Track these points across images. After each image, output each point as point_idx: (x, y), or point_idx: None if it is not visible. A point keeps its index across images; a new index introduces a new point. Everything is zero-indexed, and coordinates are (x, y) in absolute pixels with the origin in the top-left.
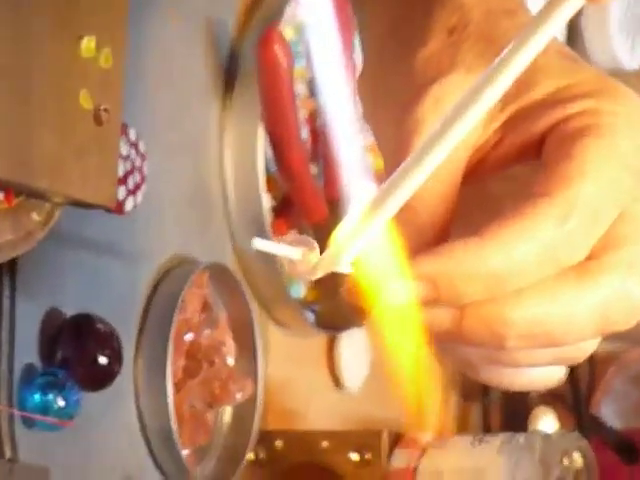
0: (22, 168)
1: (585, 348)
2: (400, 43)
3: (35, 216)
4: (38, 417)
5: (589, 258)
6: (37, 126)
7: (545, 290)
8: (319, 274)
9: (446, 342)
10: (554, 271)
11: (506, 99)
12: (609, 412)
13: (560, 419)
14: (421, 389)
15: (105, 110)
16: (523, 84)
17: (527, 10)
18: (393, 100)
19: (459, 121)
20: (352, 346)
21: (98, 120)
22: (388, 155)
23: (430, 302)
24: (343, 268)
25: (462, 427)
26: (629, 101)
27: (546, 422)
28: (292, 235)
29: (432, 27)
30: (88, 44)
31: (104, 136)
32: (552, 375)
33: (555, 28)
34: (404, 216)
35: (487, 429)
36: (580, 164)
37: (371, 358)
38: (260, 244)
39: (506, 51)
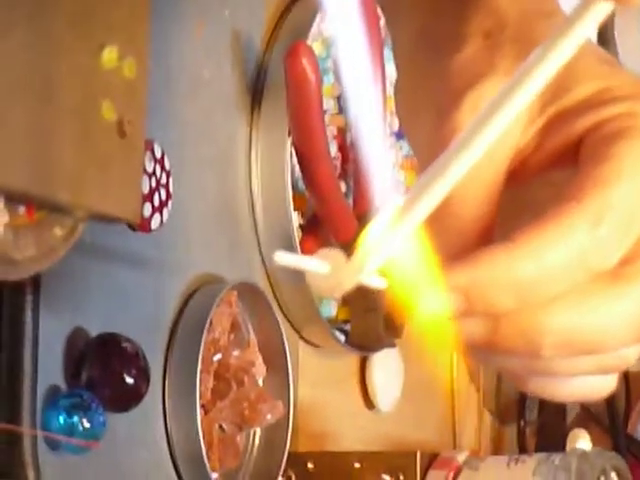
0: (43, 181)
1: (626, 356)
2: (434, 49)
3: (57, 231)
4: (62, 438)
5: (625, 263)
6: (58, 138)
7: (579, 297)
8: (345, 289)
9: (484, 353)
10: (588, 277)
11: (544, 102)
12: None
13: (596, 441)
14: (456, 408)
15: (129, 122)
16: (561, 87)
17: (563, 11)
18: (429, 107)
19: (491, 123)
20: (384, 367)
21: (121, 132)
22: (425, 163)
23: (464, 313)
24: (373, 281)
25: (497, 450)
26: None
27: (582, 444)
28: (321, 251)
29: (467, 31)
30: (110, 54)
31: (128, 148)
32: (598, 385)
33: (585, 30)
34: (445, 222)
35: (522, 452)
36: (615, 166)
37: (403, 379)
38: (283, 258)
39: (536, 52)
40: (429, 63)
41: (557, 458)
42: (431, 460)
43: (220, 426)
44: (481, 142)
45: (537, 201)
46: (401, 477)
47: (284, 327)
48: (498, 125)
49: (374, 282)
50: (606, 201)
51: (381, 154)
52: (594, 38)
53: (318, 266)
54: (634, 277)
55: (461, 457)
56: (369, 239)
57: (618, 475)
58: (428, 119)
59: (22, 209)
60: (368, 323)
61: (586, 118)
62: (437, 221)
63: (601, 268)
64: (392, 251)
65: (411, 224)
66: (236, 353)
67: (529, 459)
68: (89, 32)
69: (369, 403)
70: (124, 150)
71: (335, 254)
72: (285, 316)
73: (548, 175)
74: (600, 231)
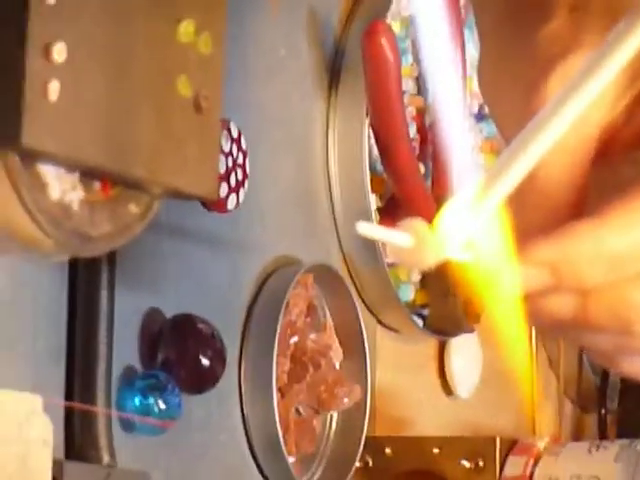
0: (120, 156)
1: None
2: (519, 24)
3: (133, 208)
4: (137, 418)
5: None
6: (134, 113)
7: None
8: (428, 263)
9: (571, 331)
10: None
11: (634, 74)
12: None
13: None
14: (535, 394)
15: (205, 97)
16: None
17: None
18: (515, 83)
19: (576, 97)
20: (463, 351)
21: (198, 107)
22: (512, 140)
23: (550, 290)
24: (458, 255)
25: (577, 437)
26: None
27: None
28: (404, 222)
29: (553, 5)
30: (187, 28)
31: (204, 124)
32: None
33: None
34: (531, 199)
35: (603, 440)
36: None
37: (483, 363)
38: (366, 229)
39: (623, 23)
40: (514, 37)
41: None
42: (511, 446)
43: (297, 410)
44: (565, 116)
45: (624, 179)
46: (480, 463)
47: (361, 311)
48: (583, 99)
49: (458, 256)
50: None
51: (461, 135)
52: None
53: (401, 238)
54: None
55: (541, 443)
56: (453, 212)
57: None
58: (515, 94)
59: (97, 185)
60: (446, 308)
61: None
62: (522, 198)
63: None
64: (476, 226)
65: (495, 199)
66: (312, 336)
67: (611, 445)
68: (166, 5)
69: (447, 389)
70: (200, 126)
71: (418, 225)
72: (362, 300)
73: (637, 153)
74: None
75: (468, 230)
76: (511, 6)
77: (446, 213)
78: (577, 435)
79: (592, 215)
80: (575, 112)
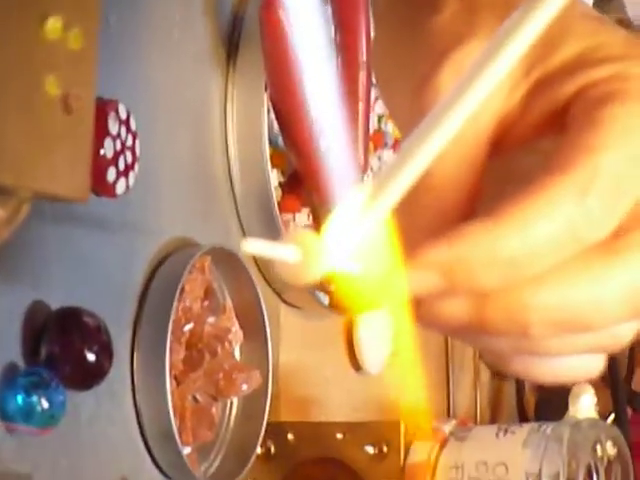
0: None
1: (620, 334)
2: (414, 9)
3: None
4: (16, 427)
5: (617, 235)
6: None
7: (568, 272)
8: (315, 277)
9: (467, 334)
10: (577, 251)
11: (530, 63)
12: None
13: (599, 395)
14: (450, 365)
15: (75, 97)
16: (547, 47)
17: None
18: (408, 71)
19: (470, 91)
20: (372, 325)
21: (67, 108)
22: (406, 133)
23: (444, 293)
24: (346, 266)
25: (495, 406)
26: None
27: (586, 399)
28: (290, 233)
29: None
30: (54, 24)
31: (75, 125)
32: (589, 365)
33: None
34: (424, 198)
35: (521, 408)
36: (604, 132)
37: (392, 337)
38: (251, 246)
39: (519, 10)
40: (406, 24)
41: (549, 428)
42: (417, 430)
43: (194, 397)
44: (459, 112)
45: (521, 170)
46: (385, 448)
47: (264, 290)
48: (477, 93)
49: (348, 267)
50: (593, 169)
51: (334, 130)
52: None
53: (287, 253)
54: (627, 249)
55: (448, 427)
56: (340, 220)
57: (614, 445)
58: (407, 85)
59: None
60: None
61: (573, 80)
62: (409, 198)
63: (591, 241)
64: (365, 234)
65: (385, 204)
66: (211, 320)
67: (519, 430)
68: (30, 1)
69: (357, 365)
70: (71, 127)
71: (304, 237)
72: (265, 279)
73: (535, 143)
74: (588, 201)
75: (357, 238)
76: None
77: (333, 220)
78: (495, 404)
79: (485, 214)
80: (470, 108)
